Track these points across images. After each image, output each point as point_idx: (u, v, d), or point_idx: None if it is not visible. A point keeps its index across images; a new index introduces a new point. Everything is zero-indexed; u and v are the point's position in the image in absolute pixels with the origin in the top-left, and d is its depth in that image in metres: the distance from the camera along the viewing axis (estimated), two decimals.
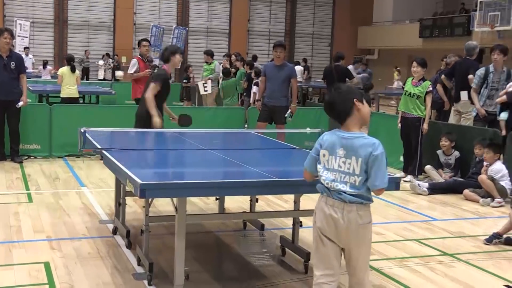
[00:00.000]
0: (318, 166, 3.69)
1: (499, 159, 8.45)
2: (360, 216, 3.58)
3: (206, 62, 15.45)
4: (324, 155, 3.65)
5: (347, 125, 3.64)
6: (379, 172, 3.52)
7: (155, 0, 30.28)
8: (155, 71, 7.93)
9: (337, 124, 3.69)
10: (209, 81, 14.66)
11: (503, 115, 9.13)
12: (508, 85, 9.61)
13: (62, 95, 12.49)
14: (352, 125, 3.62)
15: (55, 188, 8.10)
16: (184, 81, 16.66)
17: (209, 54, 15.60)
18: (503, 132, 8.86)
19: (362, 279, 3.74)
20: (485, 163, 8.44)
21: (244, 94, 15.36)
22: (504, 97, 9.27)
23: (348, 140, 3.58)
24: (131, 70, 11.62)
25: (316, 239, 3.73)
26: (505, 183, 8.24)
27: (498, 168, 8.31)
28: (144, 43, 11.90)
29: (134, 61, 11.64)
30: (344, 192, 3.56)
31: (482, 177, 8.22)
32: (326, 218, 3.63)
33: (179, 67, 7.70)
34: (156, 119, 6.94)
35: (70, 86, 12.45)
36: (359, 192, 3.56)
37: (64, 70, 12.61)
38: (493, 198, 8.12)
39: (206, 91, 14.60)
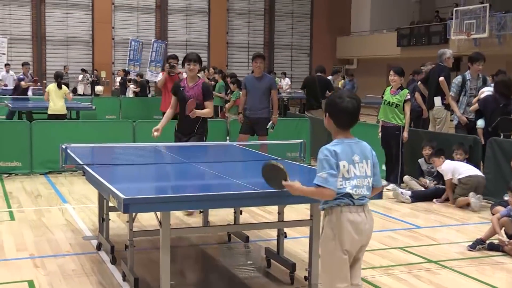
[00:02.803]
0: (338, 180, 3.60)
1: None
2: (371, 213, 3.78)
3: None
4: (344, 166, 3.62)
5: (348, 132, 3.75)
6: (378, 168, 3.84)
7: (133, 15, 30.28)
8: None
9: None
10: None
11: (480, 123, 9.22)
12: (480, 92, 9.73)
13: (48, 112, 12.36)
14: (350, 132, 3.76)
15: (37, 205, 8.03)
16: None
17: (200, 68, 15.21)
18: (482, 141, 8.93)
19: (360, 279, 3.83)
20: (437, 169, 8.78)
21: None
22: (477, 104, 9.39)
23: (357, 146, 3.72)
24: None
25: (335, 252, 3.65)
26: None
27: (446, 168, 8.49)
28: (170, 60, 11.44)
29: (160, 74, 11.80)
30: (365, 196, 3.69)
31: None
32: (356, 226, 3.64)
33: None
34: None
35: (56, 103, 12.32)
36: (370, 192, 3.74)
37: (51, 87, 12.53)
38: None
39: None
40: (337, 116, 3.70)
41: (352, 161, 3.65)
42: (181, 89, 7.46)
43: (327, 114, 3.75)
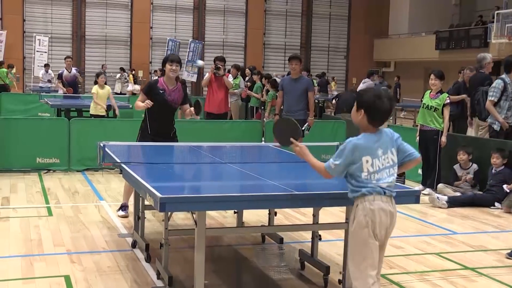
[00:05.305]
0: (363, 174, 3.79)
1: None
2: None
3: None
4: (367, 161, 3.79)
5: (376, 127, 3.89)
6: (406, 143, 4.00)
7: (171, 15, 30.54)
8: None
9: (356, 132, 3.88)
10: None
11: None
12: None
13: (91, 112, 12.31)
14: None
15: (74, 202, 8.15)
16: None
17: (237, 68, 15.17)
18: None
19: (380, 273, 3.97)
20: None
21: (263, 108, 15.36)
22: None
23: (380, 140, 3.85)
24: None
25: (369, 240, 3.78)
26: None
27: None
28: (217, 62, 11.53)
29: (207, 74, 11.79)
30: (392, 185, 3.82)
31: None
32: (386, 214, 3.80)
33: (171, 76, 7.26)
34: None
35: (99, 104, 12.29)
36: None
37: (97, 88, 12.40)
38: None
39: None
40: (373, 114, 3.82)
41: (377, 155, 3.79)
42: (161, 91, 7.01)
43: (362, 110, 3.83)
